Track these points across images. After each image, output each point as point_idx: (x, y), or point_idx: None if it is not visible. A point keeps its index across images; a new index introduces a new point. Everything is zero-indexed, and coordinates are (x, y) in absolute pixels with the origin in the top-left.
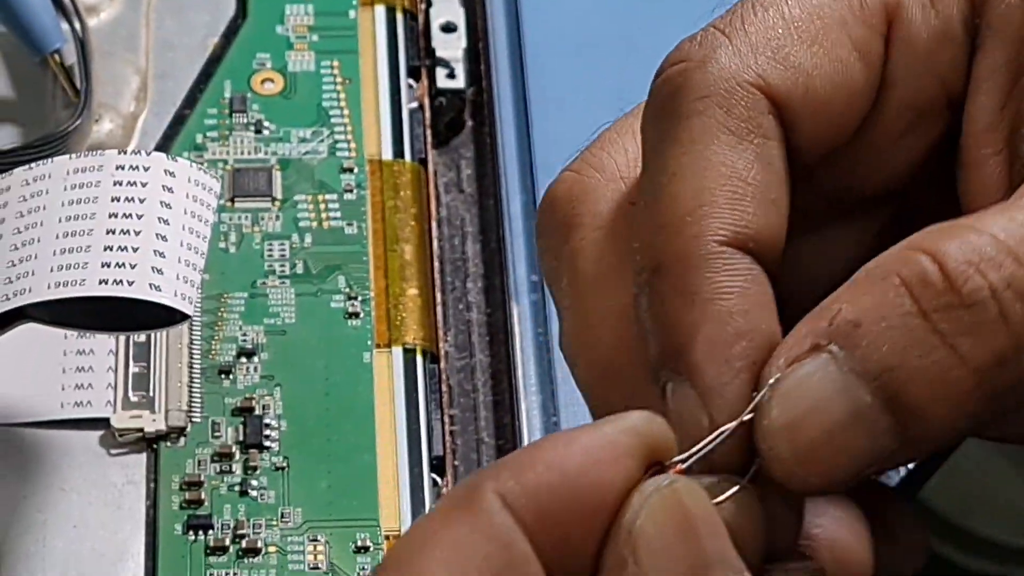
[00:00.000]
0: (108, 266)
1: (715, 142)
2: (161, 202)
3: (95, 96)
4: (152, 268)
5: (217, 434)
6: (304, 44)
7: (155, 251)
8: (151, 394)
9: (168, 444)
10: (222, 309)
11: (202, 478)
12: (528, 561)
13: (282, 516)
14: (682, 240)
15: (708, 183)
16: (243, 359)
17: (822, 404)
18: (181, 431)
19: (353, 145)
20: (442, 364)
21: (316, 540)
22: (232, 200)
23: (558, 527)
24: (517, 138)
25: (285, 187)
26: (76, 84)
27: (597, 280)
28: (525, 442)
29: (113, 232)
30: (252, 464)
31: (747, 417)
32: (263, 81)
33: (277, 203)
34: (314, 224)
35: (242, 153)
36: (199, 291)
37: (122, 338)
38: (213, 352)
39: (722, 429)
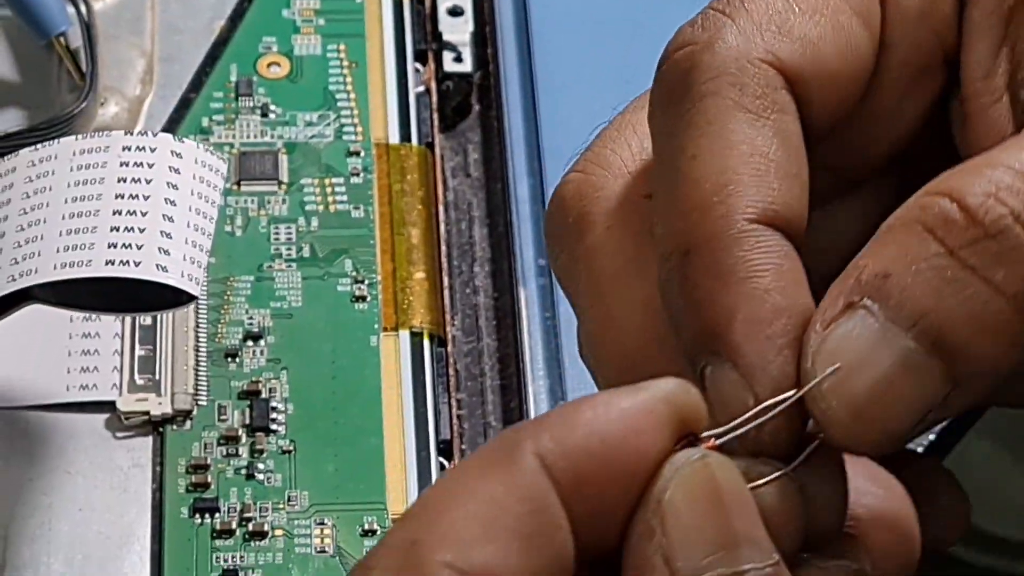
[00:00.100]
0: (115, 247)
1: (732, 121)
2: (168, 183)
3: (100, 79)
4: (159, 249)
5: (223, 417)
6: (311, 28)
7: (162, 232)
8: (157, 377)
9: (174, 427)
10: (228, 292)
11: (208, 461)
12: (559, 527)
13: (289, 499)
14: (711, 221)
15: (730, 162)
16: (249, 342)
17: (867, 358)
18: (187, 414)
19: (360, 129)
20: (449, 348)
21: (323, 523)
22: (238, 183)
23: (593, 494)
24: (524, 122)
25: (291, 171)
26: (81, 67)
27: (617, 275)
28: None
29: (120, 213)
30: (259, 447)
31: (791, 394)
32: (269, 65)
33: (283, 187)
34: (320, 208)
35: (248, 137)
36: (206, 272)
37: (128, 321)
38: (219, 335)
39: (763, 405)
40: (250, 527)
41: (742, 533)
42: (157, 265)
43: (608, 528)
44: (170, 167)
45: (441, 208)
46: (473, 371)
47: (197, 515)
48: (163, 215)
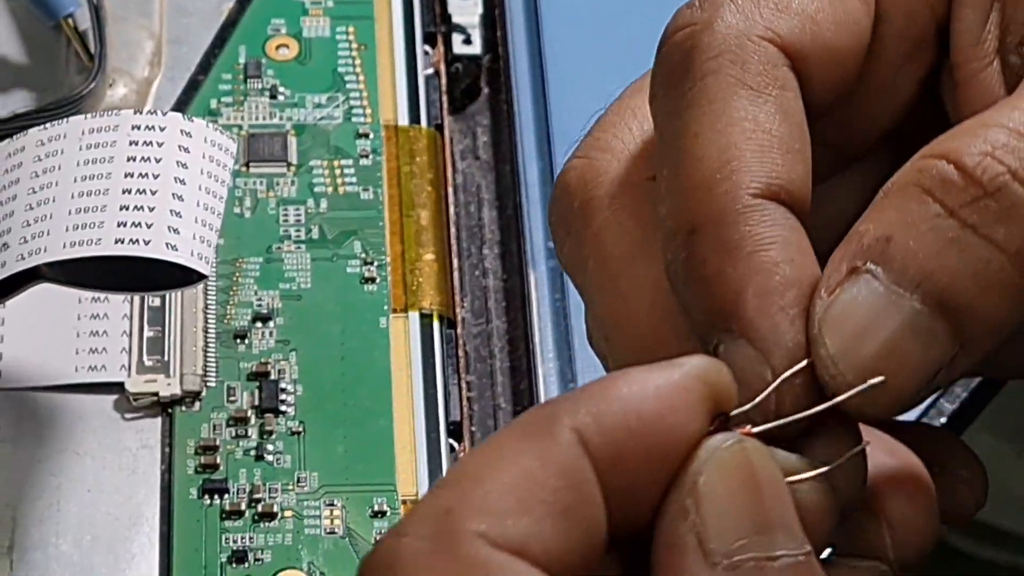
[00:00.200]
0: (124, 225)
1: (734, 98)
2: (177, 162)
3: (109, 61)
4: (169, 228)
5: (232, 398)
6: (319, 10)
7: (171, 211)
8: (166, 358)
9: (183, 408)
10: (237, 274)
11: (217, 442)
12: (594, 503)
13: (298, 480)
14: (716, 197)
15: (733, 139)
16: (258, 324)
17: (873, 322)
18: (196, 395)
19: (369, 111)
20: (459, 330)
21: (333, 505)
22: (247, 165)
23: (629, 470)
24: (533, 105)
25: (300, 152)
26: (90, 49)
27: (625, 259)
28: None
29: (129, 192)
30: (268, 428)
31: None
32: (278, 47)
33: (292, 168)
34: (329, 189)
35: (257, 118)
36: (216, 251)
37: (137, 302)
38: (228, 317)
39: (783, 376)
40: (259, 508)
41: (777, 519)
42: (167, 244)
43: (640, 506)
44: (180, 146)
45: (450, 190)
46: (482, 353)
47: (206, 496)
48: (173, 194)
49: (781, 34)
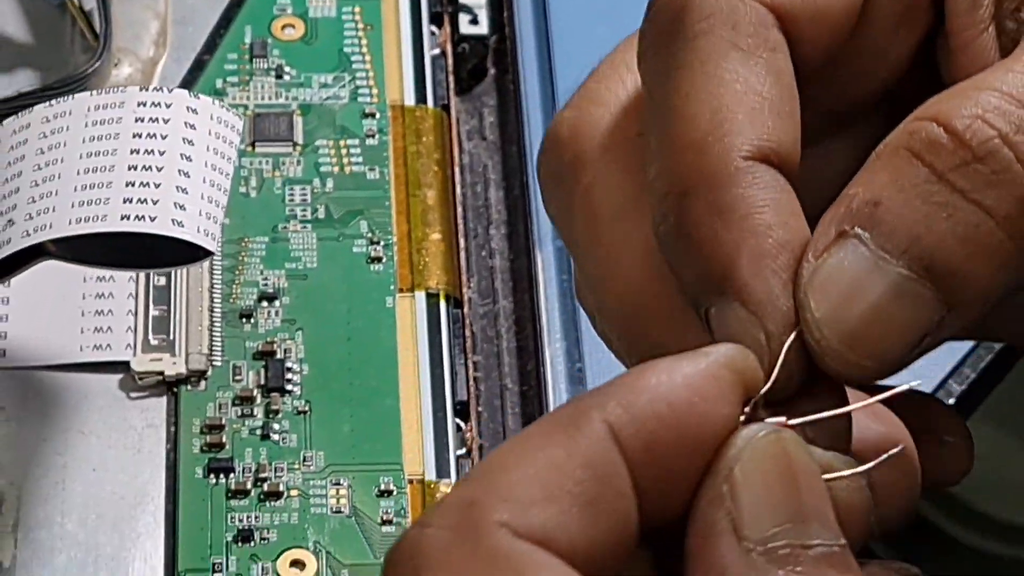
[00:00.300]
0: (130, 202)
1: (725, 60)
2: (183, 139)
3: (114, 41)
4: (175, 204)
5: (238, 378)
6: None
7: (177, 187)
8: (171, 337)
9: (188, 388)
10: (243, 253)
11: (223, 421)
12: (623, 494)
13: (304, 460)
14: (708, 160)
15: (724, 100)
16: (264, 303)
17: (859, 287)
18: (202, 375)
19: (375, 91)
20: (465, 310)
21: (339, 484)
22: (253, 145)
23: (661, 459)
24: (540, 86)
25: (306, 132)
26: (95, 28)
27: (616, 214)
28: (550, 389)
29: (135, 168)
30: (274, 408)
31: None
32: (284, 27)
33: (298, 148)
34: (335, 169)
35: (263, 98)
36: (222, 229)
37: (142, 281)
38: (234, 296)
39: (786, 345)
40: (265, 487)
41: (812, 509)
42: (173, 220)
43: (673, 497)
44: (186, 123)
45: (457, 171)
46: (489, 333)
47: (212, 475)
48: (179, 170)
49: None
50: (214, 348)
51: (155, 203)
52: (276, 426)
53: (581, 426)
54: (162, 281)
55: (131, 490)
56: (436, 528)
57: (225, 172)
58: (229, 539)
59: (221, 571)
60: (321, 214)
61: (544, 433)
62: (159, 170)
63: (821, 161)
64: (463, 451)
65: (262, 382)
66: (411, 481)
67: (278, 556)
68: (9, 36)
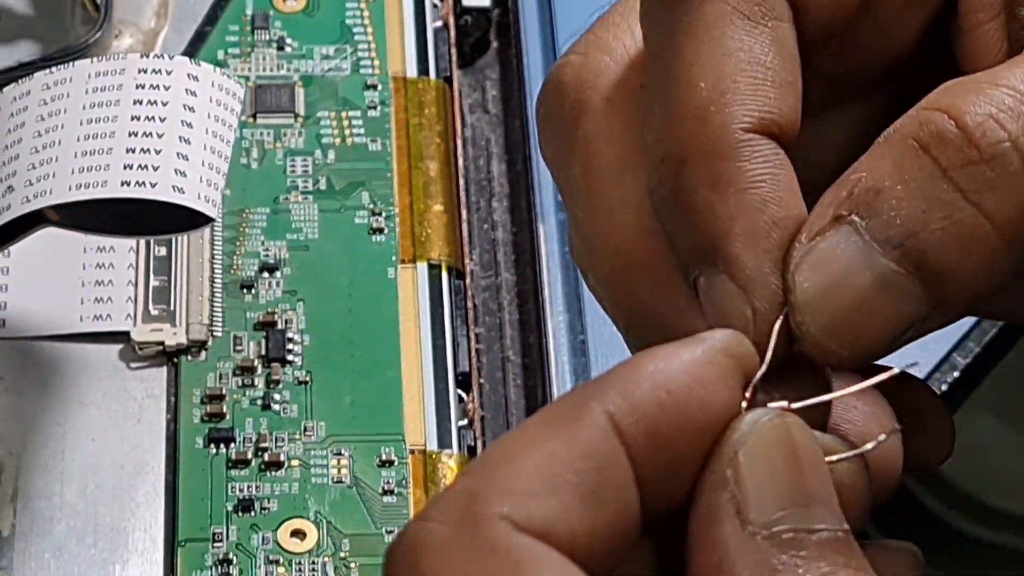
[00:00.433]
0: (131, 168)
1: (731, 28)
2: (184, 105)
3: (115, 12)
4: (175, 170)
5: (239, 348)
6: None
7: (178, 154)
8: (172, 308)
9: (189, 358)
10: (244, 224)
11: (224, 392)
12: (624, 485)
13: (305, 430)
14: (709, 130)
15: (728, 69)
16: (265, 274)
17: (847, 275)
18: (202, 345)
19: (377, 63)
20: (467, 282)
21: (340, 454)
22: (254, 116)
23: (663, 447)
24: (543, 59)
25: (308, 103)
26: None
27: (613, 167)
28: (552, 361)
29: (136, 135)
30: (275, 378)
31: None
32: None
33: (300, 119)
34: (337, 140)
35: (264, 70)
36: (222, 197)
37: (143, 251)
38: (235, 267)
39: (776, 326)
40: (266, 457)
41: (816, 494)
42: (173, 186)
43: (675, 485)
44: (187, 90)
45: (459, 143)
46: (491, 306)
47: (212, 445)
48: (179, 137)
49: None
50: (215, 318)
51: (156, 169)
52: (277, 396)
53: (581, 417)
54: (163, 251)
55: (131, 460)
56: (437, 522)
57: (226, 139)
58: (229, 509)
59: (221, 541)
60: (323, 185)
61: (544, 425)
62: (160, 137)
63: (822, 132)
64: (464, 422)
65: (263, 352)
66: (412, 451)
67: (279, 526)
68: (10, 7)
